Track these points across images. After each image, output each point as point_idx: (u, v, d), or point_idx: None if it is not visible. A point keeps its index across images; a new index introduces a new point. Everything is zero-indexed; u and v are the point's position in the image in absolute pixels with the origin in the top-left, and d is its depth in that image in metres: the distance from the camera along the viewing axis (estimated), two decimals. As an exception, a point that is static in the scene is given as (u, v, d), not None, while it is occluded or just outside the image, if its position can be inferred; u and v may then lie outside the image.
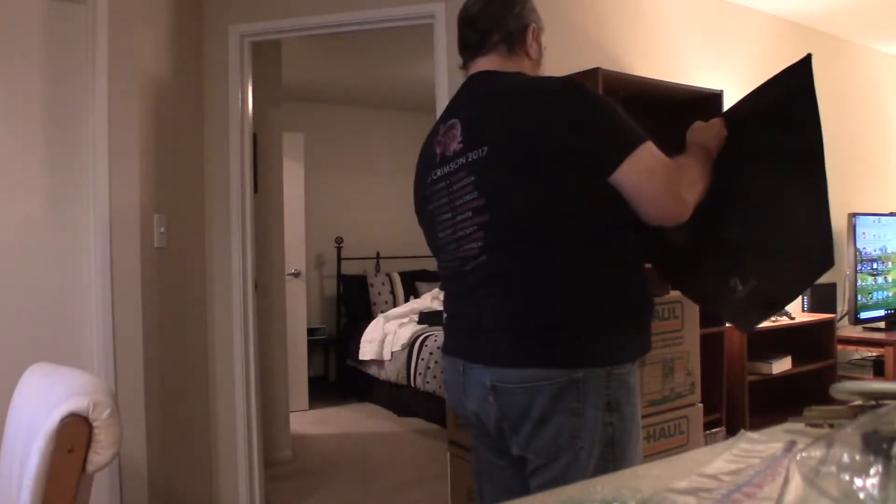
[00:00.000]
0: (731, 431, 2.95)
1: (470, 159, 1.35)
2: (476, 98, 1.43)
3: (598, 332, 1.32)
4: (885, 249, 3.87)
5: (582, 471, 1.31)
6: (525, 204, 1.31)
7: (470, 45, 1.48)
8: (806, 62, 1.44)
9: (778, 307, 1.69)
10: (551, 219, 1.30)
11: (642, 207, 1.31)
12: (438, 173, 1.44)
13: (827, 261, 1.39)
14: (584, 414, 1.30)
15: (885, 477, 0.54)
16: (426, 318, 5.12)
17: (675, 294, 2.21)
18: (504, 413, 1.34)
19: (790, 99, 1.47)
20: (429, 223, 1.50)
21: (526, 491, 1.39)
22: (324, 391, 5.74)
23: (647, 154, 1.31)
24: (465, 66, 1.51)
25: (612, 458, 1.33)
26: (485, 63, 1.46)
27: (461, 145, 1.38)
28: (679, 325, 2.17)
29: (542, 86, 1.37)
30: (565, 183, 1.29)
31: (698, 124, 1.56)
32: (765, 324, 3.45)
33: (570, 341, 1.31)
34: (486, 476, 1.53)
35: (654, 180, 1.30)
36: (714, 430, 2.91)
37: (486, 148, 1.33)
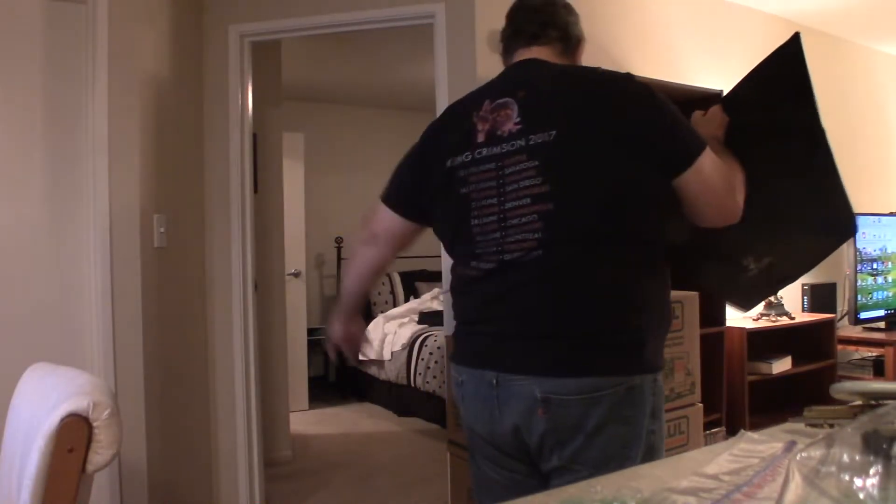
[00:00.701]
0: (731, 431, 2.95)
1: (532, 142, 1.26)
2: (537, 80, 1.35)
3: (649, 338, 1.28)
4: (885, 249, 3.87)
5: None
6: (596, 196, 1.24)
7: (526, 32, 1.43)
8: (795, 39, 1.44)
9: (791, 281, 1.69)
10: (619, 216, 1.25)
11: (703, 208, 1.29)
12: (484, 152, 1.32)
13: (850, 228, 1.40)
14: (636, 422, 1.26)
15: (885, 477, 0.54)
16: (426, 318, 5.12)
17: (675, 294, 2.21)
18: (554, 426, 1.25)
19: (784, 77, 1.47)
20: (457, 209, 1.36)
21: None
22: (324, 391, 5.74)
23: (711, 157, 1.28)
24: (509, 52, 1.46)
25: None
26: (540, 52, 1.41)
27: (519, 126, 1.29)
28: (679, 325, 2.17)
29: (615, 77, 1.33)
30: (639, 179, 1.24)
31: (698, 116, 1.54)
32: (765, 323, 3.45)
33: (629, 348, 1.26)
34: (490, 491, 1.45)
35: (718, 182, 1.27)
36: (714, 430, 2.90)
37: (553, 132, 1.25)
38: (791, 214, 1.47)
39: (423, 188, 1.45)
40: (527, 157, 1.27)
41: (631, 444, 1.27)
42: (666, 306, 1.36)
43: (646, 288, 1.29)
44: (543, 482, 1.32)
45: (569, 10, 1.47)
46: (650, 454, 1.30)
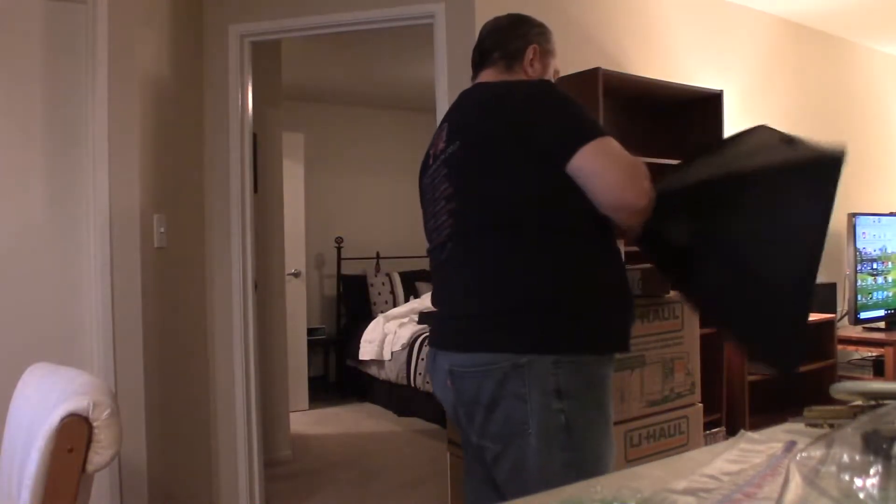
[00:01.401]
0: (731, 431, 2.95)
1: (447, 154, 1.48)
2: (462, 104, 1.55)
3: (544, 321, 1.35)
4: (885, 249, 3.87)
5: (539, 456, 1.34)
6: (485, 191, 1.39)
7: (474, 62, 1.63)
8: (841, 154, 1.40)
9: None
10: (506, 207, 1.38)
11: (600, 189, 1.33)
12: (430, 171, 1.57)
13: (790, 367, 1.43)
14: (529, 399, 1.34)
15: (885, 477, 0.54)
16: (426, 318, 5.11)
17: (675, 294, 2.21)
18: (459, 398, 1.42)
19: (814, 178, 1.43)
20: (424, 218, 1.62)
21: (489, 489, 1.47)
22: (324, 391, 5.74)
23: (606, 143, 1.35)
24: (472, 82, 1.64)
25: (570, 445, 1.34)
26: (486, 75, 1.59)
27: (442, 144, 1.51)
28: (679, 325, 2.17)
29: (509, 85, 1.48)
30: (523, 173, 1.36)
31: None
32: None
33: (516, 327, 1.35)
34: (466, 472, 1.62)
35: (611, 166, 1.33)
36: (714, 430, 2.90)
37: (458, 143, 1.45)
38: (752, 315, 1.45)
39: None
40: (443, 166, 1.49)
41: (528, 420, 1.34)
42: (582, 294, 1.38)
43: (544, 276, 1.36)
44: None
45: (515, 26, 1.62)
46: (569, 434, 1.35)
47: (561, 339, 1.36)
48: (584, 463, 1.35)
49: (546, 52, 1.62)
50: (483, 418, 1.39)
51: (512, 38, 1.59)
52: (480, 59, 1.61)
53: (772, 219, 1.45)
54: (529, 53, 1.58)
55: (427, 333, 4.77)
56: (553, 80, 1.63)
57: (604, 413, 1.41)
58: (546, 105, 1.40)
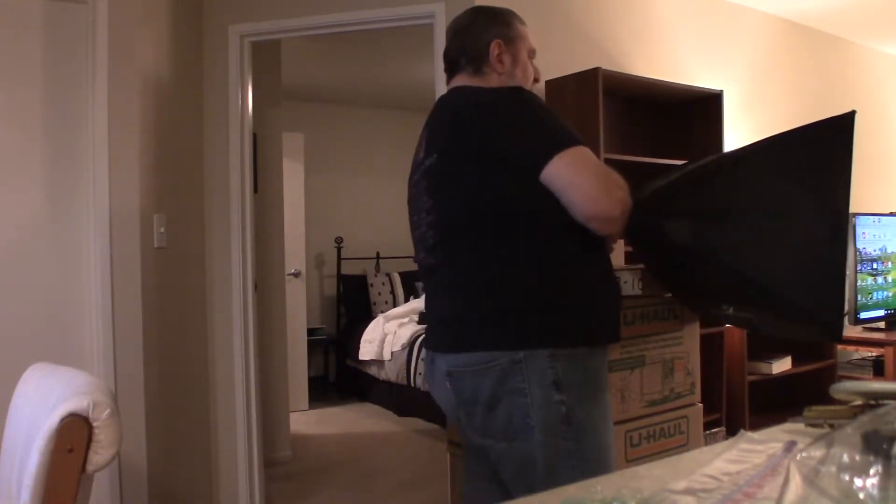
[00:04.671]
0: (731, 431, 2.95)
1: (426, 165, 1.50)
2: (436, 112, 1.56)
3: (537, 317, 1.39)
4: (885, 249, 3.87)
5: (544, 448, 1.36)
6: (463, 202, 1.43)
7: (450, 62, 1.60)
8: (850, 116, 1.42)
9: (757, 332, 1.73)
10: (484, 214, 1.41)
11: (573, 200, 1.34)
12: (413, 180, 1.58)
13: (834, 332, 1.43)
14: (530, 393, 1.36)
15: (885, 477, 0.54)
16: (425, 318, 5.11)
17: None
18: (459, 398, 1.43)
19: (828, 147, 1.45)
20: (410, 226, 1.63)
21: (494, 488, 1.49)
22: (324, 391, 5.74)
23: (580, 153, 1.36)
24: (448, 86, 1.63)
25: (571, 436, 1.36)
26: (459, 80, 1.58)
27: (422, 154, 1.53)
28: (679, 325, 2.17)
29: (481, 96, 1.49)
30: (499, 183, 1.39)
31: None
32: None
33: (508, 325, 1.39)
34: (467, 473, 1.63)
35: (584, 174, 1.35)
36: (714, 430, 2.90)
37: (435, 155, 1.47)
38: (780, 292, 1.47)
39: None
40: (423, 178, 1.51)
41: (530, 414, 1.36)
42: (570, 289, 1.42)
43: (530, 273, 1.40)
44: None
45: (472, 25, 1.58)
46: (569, 426, 1.37)
47: (555, 333, 1.38)
48: (586, 452, 1.38)
49: (512, 40, 1.56)
50: (484, 417, 1.40)
51: (472, 39, 1.55)
52: (450, 67, 1.60)
53: (784, 190, 1.46)
54: (494, 50, 1.53)
55: (427, 333, 4.77)
56: (530, 62, 1.60)
57: (601, 403, 1.44)
58: (516, 116, 1.40)
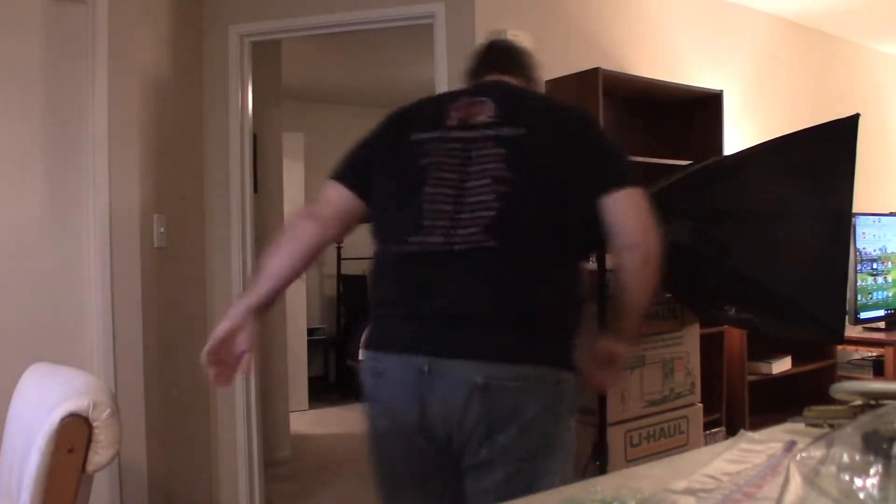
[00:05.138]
0: (731, 431, 2.95)
1: (503, 134, 1.34)
2: (510, 91, 1.48)
3: (574, 337, 1.33)
4: (885, 249, 3.86)
5: (559, 472, 1.28)
6: (548, 190, 1.32)
7: (500, 63, 1.55)
8: (854, 120, 1.43)
9: (758, 333, 1.74)
10: (562, 214, 1.32)
11: (626, 230, 1.33)
12: (453, 134, 1.38)
13: (835, 335, 1.44)
14: (561, 418, 1.29)
15: (885, 477, 0.54)
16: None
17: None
18: (488, 414, 1.22)
19: (832, 148, 1.46)
20: (411, 179, 1.37)
21: None
22: (324, 391, 5.73)
23: (643, 194, 1.36)
24: (477, 75, 1.56)
25: (566, 465, 1.32)
26: (509, 78, 1.52)
27: (492, 119, 1.37)
28: (679, 325, 2.17)
29: (574, 108, 1.57)
30: (578, 190, 1.33)
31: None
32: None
33: (563, 341, 1.30)
34: (402, 488, 1.43)
35: (645, 213, 1.34)
36: (714, 430, 2.90)
37: (523, 130, 1.34)
38: (782, 293, 1.48)
39: (374, 161, 1.48)
40: (494, 144, 1.33)
41: (555, 439, 1.28)
42: (580, 311, 1.39)
43: (579, 292, 1.36)
44: (456, 478, 1.30)
45: (533, 60, 1.61)
46: (566, 453, 1.31)
47: (573, 358, 1.33)
48: (567, 473, 1.34)
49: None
50: (514, 437, 1.24)
51: (534, 70, 1.60)
52: (511, 65, 1.55)
53: (787, 192, 1.47)
54: (539, 82, 1.62)
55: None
56: None
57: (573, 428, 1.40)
58: (608, 141, 1.43)
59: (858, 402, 1.08)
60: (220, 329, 1.41)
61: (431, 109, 1.46)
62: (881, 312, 3.88)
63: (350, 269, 6.13)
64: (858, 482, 0.54)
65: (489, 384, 1.21)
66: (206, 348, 1.40)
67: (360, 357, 1.47)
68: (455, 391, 1.23)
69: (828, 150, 1.46)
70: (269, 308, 1.46)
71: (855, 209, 1.47)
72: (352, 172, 1.51)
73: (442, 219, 1.30)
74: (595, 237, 1.35)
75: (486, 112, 1.38)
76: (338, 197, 1.51)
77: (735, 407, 3.17)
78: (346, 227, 1.54)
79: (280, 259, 1.46)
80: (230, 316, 1.42)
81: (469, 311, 1.26)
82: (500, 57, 1.57)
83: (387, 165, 1.44)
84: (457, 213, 1.29)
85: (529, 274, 1.27)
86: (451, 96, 1.50)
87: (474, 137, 1.35)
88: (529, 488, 1.15)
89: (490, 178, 1.30)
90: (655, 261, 1.33)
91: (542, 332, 1.28)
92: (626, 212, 1.32)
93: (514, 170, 1.30)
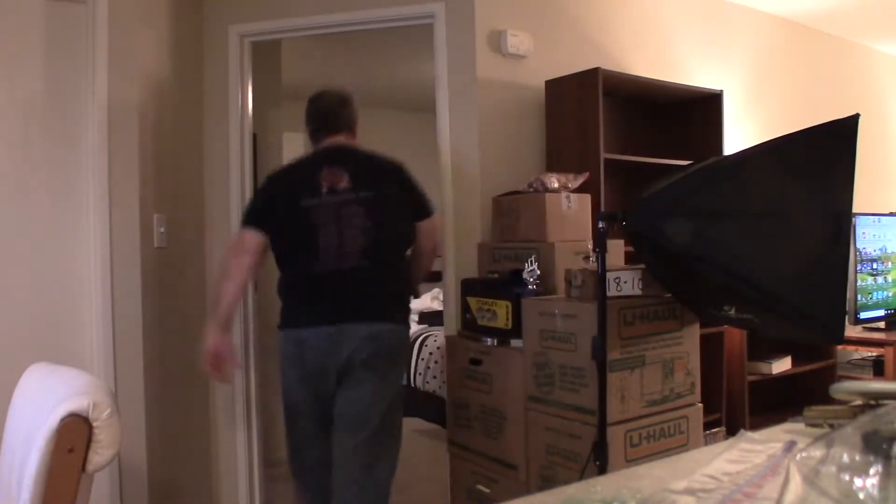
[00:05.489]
0: (731, 431, 2.95)
1: (361, 196, 2.14)
2: (353, 159, 2.23)
3: (407, 305, 2.37)
4: (885, 249, 3.86)
5: (398, 370, 2.39)
6: (392, 231, 2.21)
7: (329, 126, 2.30)
8: (854, 119, 1.43)
9: (757, 333, 1.73)
10: (400, 242, 2.27)
11: (429, 243, 2.36)
12: (326, 199, 2.13)
13: (834, 335, 1.44)
14: (403, 346, 2.30)
15: (885, 477, 0.54)
16: (426, 318, 5.11)
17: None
18: (377, 349, 2.12)
19: (830, 160, 1.46)
20: (306, 232, 2.13)
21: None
22: (324, 391, 5.72)
23: (436, 217, 2.39)
24: (316, 139, 2.30)
25: (404, 370, 2.64)
26: (340, 138, 2.29)
27: (350, 186, 2.14)
28: (679, 325, 2.17)
29: (393, 162, 2.30)
30: (406, 223, 2.27)
31: None
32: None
33: (403, 308, 2.30)
34: (311, 438, 2.36)
35: (437, 231, 2.45)
36: (714, 430, 2.90)
37: (372, 192, 2.16)
38: (782, 294, 1.48)
39: (271, 216, 2.19)
40: (355, 204, 2.14)
41: (399, 356, 2.32)
42: (408, 287, 2.43)
43: (403, 275, 2.32)
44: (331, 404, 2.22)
45: (350, 103, 2.42)
46: (403, 362, 2.55)
47: (407, 316, 2.36)
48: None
49: None
50: (389, 359, 2.20)
51: (352, 114, 2.37)
52: (337, 126, 2.30)
53: (787, 192, 1.47)
54: (357, 127, 2.38)
55: (428, 333, 4.77)
56: None
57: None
58: (414, 181, 2.29)
59: (858, 402, 1.08)
60: (209, 346, 2.18)
61: (307, 178, 2.17)
62: (881, 312, 3.88)
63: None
64: (858, 482, 0.54)
65: (371, 333, 2.13)
66: (203, 364, 2.20)
67: (281, 335, 2.31)
68: (355, 339, 2.11)
69: (828, 150, 1.46)
70: (230, 322, 2.29)
71: (855, 209, 1.47)
72: (259, 221, 2.20)
73: (331, 255, 2.13)
74: (409, 243, 2.29)
75: (344, 180, 2.15)
76: (255, 238, 2.19)
77: (735, 407, 3.17)
78: (263, 256, 2.27)
79: (234, 285, 2.22)
80: (210, 336, 2.19)
81: (357, 300, 2.15)
82: (329, 121, 2.30)
83: (288, 221, 2.17)
84: (341, 248, 2.13)
85: (386, 276, 2.19)
86: (315, 165, 2.20)
87: (343, 200, 2.14)
88: (387, 378, 2.20)
89: (358, 227, 2.13)
90: (434, 255, 2.42)
91: (392, 304, 2.22)
92: (429, 231, 2.33)
93: (371, 219, 2.14)
